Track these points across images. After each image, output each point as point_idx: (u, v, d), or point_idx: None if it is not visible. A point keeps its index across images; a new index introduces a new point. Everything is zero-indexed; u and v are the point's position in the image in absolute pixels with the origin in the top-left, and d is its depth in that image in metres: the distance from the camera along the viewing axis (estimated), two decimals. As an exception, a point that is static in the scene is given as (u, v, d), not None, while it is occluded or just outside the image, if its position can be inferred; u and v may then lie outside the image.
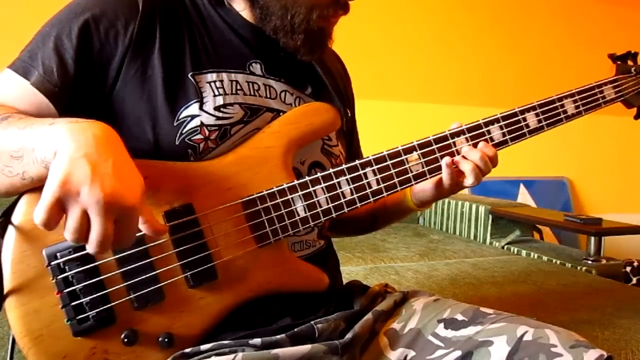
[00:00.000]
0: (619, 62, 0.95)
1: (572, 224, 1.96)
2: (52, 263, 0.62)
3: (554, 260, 1.96)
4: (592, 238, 1.92)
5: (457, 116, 0.85)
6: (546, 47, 3.22)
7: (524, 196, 3.12)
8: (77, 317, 0.62)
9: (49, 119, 0.60)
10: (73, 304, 0.62)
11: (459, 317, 0.74)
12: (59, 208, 0.51)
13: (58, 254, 0.62)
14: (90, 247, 0.54)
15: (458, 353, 0.68)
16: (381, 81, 2.85)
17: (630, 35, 3.35)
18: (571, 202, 3.27)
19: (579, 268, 1.85)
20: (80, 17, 0.69)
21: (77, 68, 0.68)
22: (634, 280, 2.24)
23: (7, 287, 0.61)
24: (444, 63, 3.01)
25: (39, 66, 0.67)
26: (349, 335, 0.72)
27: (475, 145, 0.79)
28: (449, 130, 0.79)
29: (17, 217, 0.63)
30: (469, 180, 0.78)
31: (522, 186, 3.15)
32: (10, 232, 0.62)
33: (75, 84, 0.68)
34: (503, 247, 2.20)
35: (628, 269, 2.24)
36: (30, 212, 0.62)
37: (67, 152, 0.53)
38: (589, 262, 1.88)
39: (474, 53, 3.07)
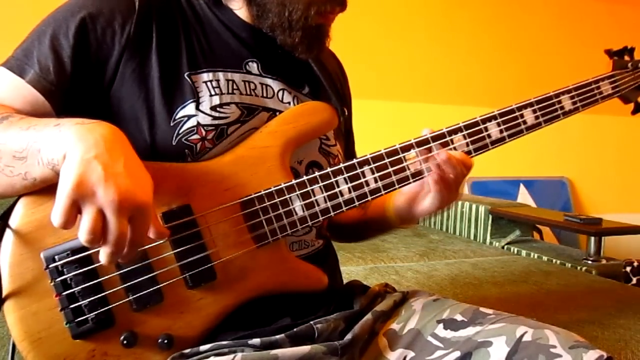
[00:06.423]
0: (615, 58, 0.95)
1: (572, 224, 1.95)
2: (51, 266, 0.61)
3: (554, 260, 1.95)
4: (592, 238, 1.91)
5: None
6: (546, 47, 3.22)
7: (524, 196, 3.12)
8: (76, 320, 0.62)
9: (53, 119, 0.61)
10: (72, 306, 0.62)
11: (459, 317, 0.74)
12: (75, 209, 0.53)
13: (56, 257, 0.61)
14: (108, 247, 0.54)
15: (457, 354, 0.68)
16: (381, 81, 2.85)
17: (631, 35, 3.34)
18: (571, 202, 3.27)
19: (579, 268, 1.85)
20: (77, 15, 0.69)
21: (74, 66, 0.68)
22: (634, 280, 2.24)
23: (5, 290, 0.61)
24: (443, 63, 3.00)
25: (35, 64, 0.67)
26: (348, 336, 0.72)
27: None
28: (446, 128, 0.78)
29: (14, 220, 0.62)
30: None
31: (522, 186, 3.15)
32: (8, 235, 0.62)
33: (72, 82, 0.68)
34: (503, 247, 2.20)
35: (628, 269, 2.24)
36: (27, 214, 0.62)
37: (77, 154, 0.54)
38: (589, 262, 1.87)
39: (474, 53, 3.07)
